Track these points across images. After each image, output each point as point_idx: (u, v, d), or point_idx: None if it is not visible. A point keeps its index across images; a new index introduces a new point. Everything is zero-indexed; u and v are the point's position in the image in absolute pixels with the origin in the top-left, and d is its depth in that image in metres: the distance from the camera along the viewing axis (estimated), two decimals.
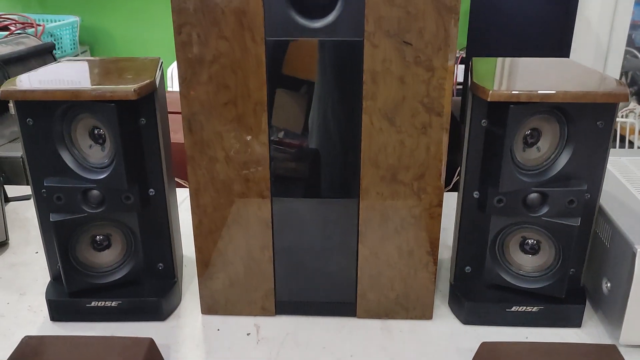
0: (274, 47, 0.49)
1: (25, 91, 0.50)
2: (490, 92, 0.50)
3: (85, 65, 0.60)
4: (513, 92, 0.49)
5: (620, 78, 2.13)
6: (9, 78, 1.04)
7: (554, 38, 1.15)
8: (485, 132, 0.54)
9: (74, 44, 1.72)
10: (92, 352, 0.50)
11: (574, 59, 2.12)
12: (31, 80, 0.53)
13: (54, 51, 1.13)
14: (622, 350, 0.53)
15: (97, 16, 1.89)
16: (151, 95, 0.53)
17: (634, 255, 0.50)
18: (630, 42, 3.77)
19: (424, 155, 0.52)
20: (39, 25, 1.52)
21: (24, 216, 0.80)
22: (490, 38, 1.16)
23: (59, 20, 1.70)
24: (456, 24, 0.47)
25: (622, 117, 2.00)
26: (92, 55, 1.94)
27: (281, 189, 0.54)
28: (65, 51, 1.69)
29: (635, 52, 2.36)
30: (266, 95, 0.50)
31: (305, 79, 0.50)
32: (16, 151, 0.97)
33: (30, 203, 0.83)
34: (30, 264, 0.69)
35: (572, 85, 0.51)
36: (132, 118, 0.53)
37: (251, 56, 0.49)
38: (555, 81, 0.54)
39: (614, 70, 2.07)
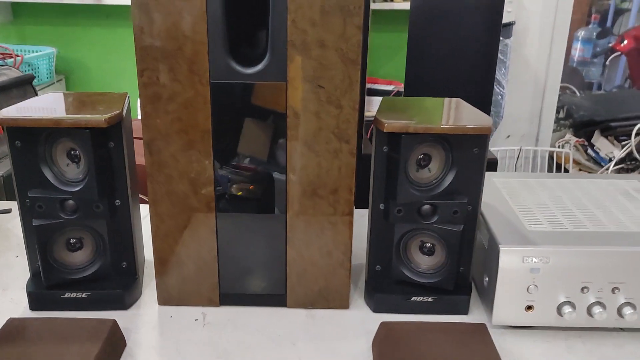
0: (217, 88, 0.62)
1: (16, 119, 0.63)
2: (386, 124, 0.64)
3: (64, 98, 0.73)
4: (403, 124, 0.64)
5: (558, 112, 2.34)
6: None
7: (480, 75, 1.31)
8: (386, 156, 0.68)
9: (50, 73, 1.84)
10: (66, 330, 0.61)
11: (514, 96, 2.32)
12: (20, 110, 0.66)
13: (33, 82, 1.25)
14: (494, 329, 0.67)
15: (73, 48, 2.01)
16: (119, 124, 0.66)
17: (498, 253, 0.64)
18: (580, 77, 4.04)
19: (336, 174, 0.66)
20: (18, 55, 1.63)
21: (5, 227, 0.91)
22: (425, 74, 1.32)
23: (37, 51, 1.81)
24: (357, 73, 0.62)
25: (558, 147, 2.19)
26: (67, 84, 2.06)
27: (225, 205, 0.67)
28: (42, 80, 1.80)
29: (574, 88, 2.57)
30: (211, 125, 0.64)
31: (241, 113, 0.64)
32: None
33: (10, 216, 0.95)
34: (11, 265, 0.80)
35: (451, 120, 0.66)
36: (102, 142, 0.66)
37: (199, 95, 0.63)
38: (441, 117, 0.68)
39: (551, 105, 2.27)
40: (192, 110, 0.63)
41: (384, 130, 0.64)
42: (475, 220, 0.69)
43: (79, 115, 0.64)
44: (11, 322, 0.63)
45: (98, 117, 0.63)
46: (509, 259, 0.64)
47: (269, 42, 0.61)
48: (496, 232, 0.68)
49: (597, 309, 0.65)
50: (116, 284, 0.71)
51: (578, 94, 2.43)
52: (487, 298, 0.69)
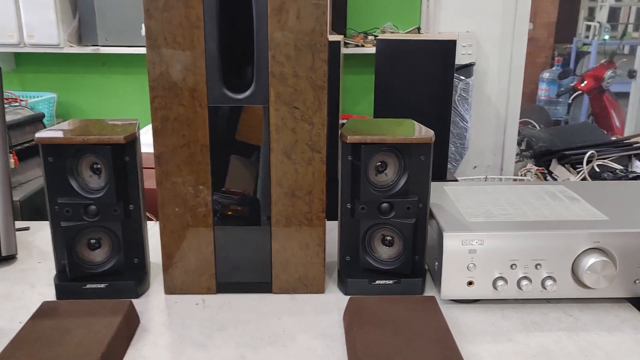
0: (213, 110, 0.78)
1: (52, 138, 0.78)
2: (349, 137, 0.80)
3: (87, 123, 0.88)
4: (362, 137, 0.80)
5: (520, 144, 2.53)
6: (10, 141, 1.31)
7: (439, 108, 1.49)
8: (351, 164, 0.84)
9: (51, 117, 1.99)
10: (91, 308, 0.75)
11: (478, 130, 2.53)
12: (52, 132, 0.81)
13: (43, 119, 1.40)
14: (443, 304, 0.82)
15: (71, 93, 2.17)
16: (133, 142, 0.81)
17: (443, 238, 0.80)
18: (546, 116, 4.28)
19: (310, 179, 0.81)
20: (23, 100, 1.79)
21: (26, 241, 1.05)
22: (391, 110, 1.49)
23: (39, 97, 1.97)
24: (325, 96, 0.78)
25: (521, 175, 2.37)
26: None
27: (220, 219, 0.82)
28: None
29: (534, 123, 2.79)
30: (208, 141, 0.79)
31: (233, 130, 0.80)
32: (14, 197, 1.22)
33: (29, 232, 1.08)
34: (36, 269, 0.94)
35: (401, 134, 0.82)
36: (120, 156, 0.81)
37: (199, 116, 0.79)
38: (395, 131, 0.84)
39: (512, 138, 2.47)
40: (193, 128, 0.79)
41: (348, 142, 0.80)
42: (425, 214, 0.85)
43: (102, 135, 0.79)
44: (45, 304, 0.76)
45: (118, 136, 0.79)
46: (451, 243, 0.80)
47: (254, 73, 0.78)
48: (442, 223, 0.83)
49: (524, 282, 0.80)
50: (129, 277, 0.85)
51: (538, 127, 2.63)
52: (438, 279, 0.84)
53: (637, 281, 0.81)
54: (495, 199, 0.94)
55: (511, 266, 0.80)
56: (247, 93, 0.78)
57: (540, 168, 2.34)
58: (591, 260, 0.79)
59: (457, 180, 1.56)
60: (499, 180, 2.32)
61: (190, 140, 0.79)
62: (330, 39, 1.44)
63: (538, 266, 0.80)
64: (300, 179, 0.81)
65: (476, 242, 0.80)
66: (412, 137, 0.81)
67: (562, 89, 4.43)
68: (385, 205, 0.84)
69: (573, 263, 0.80)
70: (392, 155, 0.83)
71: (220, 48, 0.77)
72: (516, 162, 2.49)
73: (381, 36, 1.50)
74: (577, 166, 2.24)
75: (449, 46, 1.45)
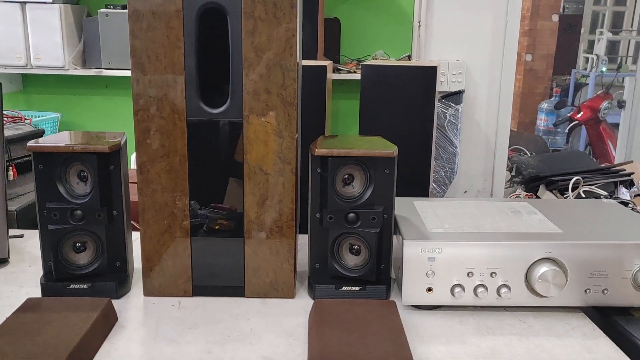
0: (191, 123, 0.85)
1: (42, 146, 0.85)
2: (316, 150, 0.86)
3: (76, 134, 0.95)
4: (328, 150, 0.86)
5: (511, 170, 2.58)
6: (11, 155, 1.38)
7: (421, 133, 1.55)
8: (319, 176, 0.89)
9: None
10: (71, 304, 0.81)
11: (468, 156, 2.56)
12: (44, 142, 0.88)
13: (43, 135, 1.47)
14: (405, 310, 0.86)
15: (75, 113, 2.26)
16: (117, 152, 0.87)
17: (403, 246, 0.85)
18: (543, 145, 4.32)
19: (281, 188, 0.87)
20: (27, 119, 1.87)
21: (20, 247, 1.11)
22: (375, 132, 1.56)
23: (43, 116, 2.06)
24: (294, 111, 0.85)
25: (510, 200, 2.41)
26: None
27: (198, 230, 0.88)
28: None
29: (525, 150, 2.84)
30: (187, 151, 0.86)
31: (210, 142, 0.86)
32: (11, 207, 1.28)
33: (23, 239, 1.14)
34: (26, 271, 1.00)
35: (367, 148, 0.88)
36: (105, 164, 0.87)
37: (178, 129, 0.85)
38: (361, 146, 0.90)
39: (501, 164, 2.52)
40: (172, 140, 0.85)
41: (315, 155, 0.87)
42: (390, 224, 0.90)
43: (89, 144, 0.85)
44: (29, 300, 0.82)
45: (103, 146, 0.85)
46: (411, 250, 0.85)
47: (229, 90, 0.84)
48: (404, 232, 0.88)
49: (480, 290, 0.85)
50: (111, 278, 0.90)
51: (529, 154, 2.69)
52: (400, 285, 0.89)
53: (588, 291, 0.86)
54: (459, 213, 0.99)
55: (468, 274, 0.85)
56: (223, 108, 0.85)
57: (529, 194, 2.39)
58: (543, 269, 0.84)
59: None
60: None
61: (169, 150, 0.86)
62: (317, 64, 1.52)
63: (493, 274, 0.85)
64: (272, 188, 0.87)
65: (435, 251, 0.85)
66: (376, 151, 0.87)
67: (560, 119, 4.49)
68: (351, 215, 0.89)
69: (526, 272, 0.85)
70: (359, 168, 0.89)
71: (198, 66, 0.83)
72: (506, 187, 2.54)
73: (366, 62, 1.58)
74: (565, 192, 2.29)
75: (431, 72, 1.52)
